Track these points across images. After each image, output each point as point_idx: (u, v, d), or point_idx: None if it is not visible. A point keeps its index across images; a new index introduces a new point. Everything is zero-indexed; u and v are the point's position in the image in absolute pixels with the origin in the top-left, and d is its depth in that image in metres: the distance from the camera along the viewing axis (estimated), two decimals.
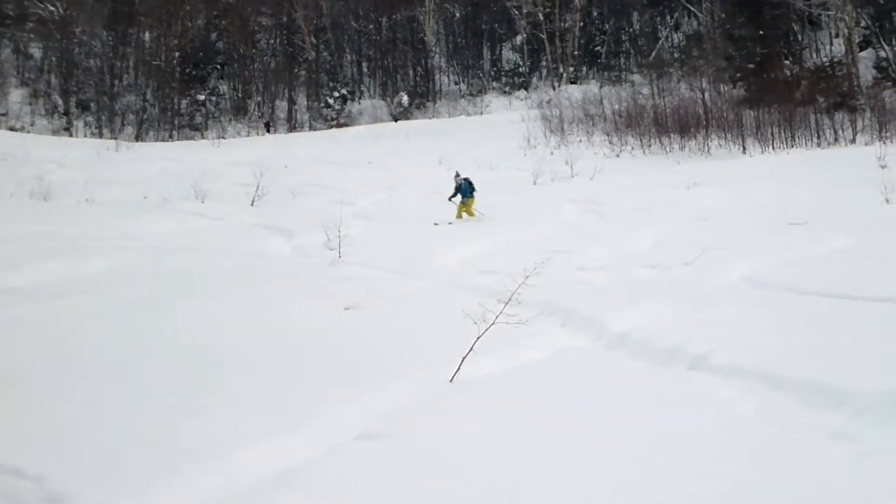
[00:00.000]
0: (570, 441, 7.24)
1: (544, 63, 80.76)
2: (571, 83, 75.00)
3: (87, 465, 6.61)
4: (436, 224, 22.29)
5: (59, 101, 73.62)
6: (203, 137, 67.95)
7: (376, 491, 6.26)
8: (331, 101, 76.41)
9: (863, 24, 57.98)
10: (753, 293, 13.53)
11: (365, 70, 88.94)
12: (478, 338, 9.26)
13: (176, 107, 76.30)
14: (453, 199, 25.31)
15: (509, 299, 9.85)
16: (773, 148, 41.10)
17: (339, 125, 71.82)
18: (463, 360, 9.10)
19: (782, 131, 42.84)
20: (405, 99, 76.82)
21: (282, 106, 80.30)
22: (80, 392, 8.50)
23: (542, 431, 7.50)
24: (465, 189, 23.94)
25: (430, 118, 71.11)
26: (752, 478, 6.30)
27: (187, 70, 77.52)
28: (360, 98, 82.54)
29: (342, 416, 7.82)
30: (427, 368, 9.47)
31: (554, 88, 74.02)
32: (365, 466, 6.75)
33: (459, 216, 24.79)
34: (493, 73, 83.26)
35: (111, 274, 16.06)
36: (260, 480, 6.48)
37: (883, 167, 27.38)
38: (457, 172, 25.54)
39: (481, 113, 71.03)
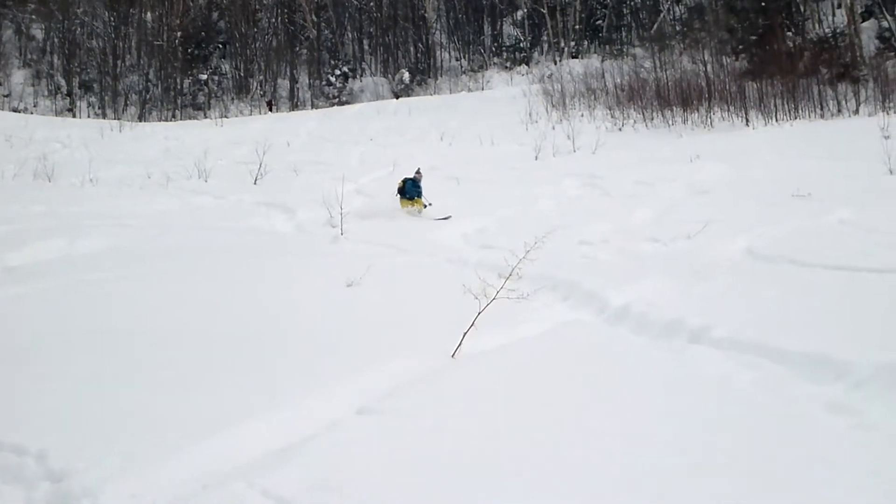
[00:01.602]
0: (571, 415, 7.25)
1: (545, 38, 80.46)
2: (573, 57, 74.71)
3: (88, 442, 6.60)
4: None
5: (62, 82, 73.48)
6: (206, 117, 67.71)
7: (376, 466, 6.26)
8: (332, 79, 76.18)
9: None
10: (755, 266, 13.53)
11: (366, 47, 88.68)
12: (479, 313, 9.25)
13: (178, 86, 76.11)
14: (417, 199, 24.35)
15: (510, 274, 9.83)
16: (776, 120, 40.93)
17: (341, 103, 71.60)
18: (465, 336, 9.09)
19: (785, 103, 42.67)
20: (406, 76, 76.62)
21: (283, 84, 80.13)
22: (80, 370, 8.51)
23: (543, 405, 7.51)
24: (408, 189, 23.47)
25: (431, 95, 70.85)
26: (749, 450, 6.30)
27: (189, 50, 77.31)
28: (361, 76, 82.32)
29: (343, 392, 7.82)
30: (428, 344, 9.46)
31: (555, 63, 73.75)
32: (365, 442, 6.75)
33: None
34: (494, 48, 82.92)
35: (113, 252, 16.07)
36: (260, 456, 6.48)
37: (886, 138, 27.29)
38: (417, 169, 25.16)
39: (482, 89, 70.75)
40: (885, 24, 54.58)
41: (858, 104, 41.33)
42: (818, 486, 5.68)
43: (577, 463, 6.20)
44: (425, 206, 22.82)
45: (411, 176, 23.72)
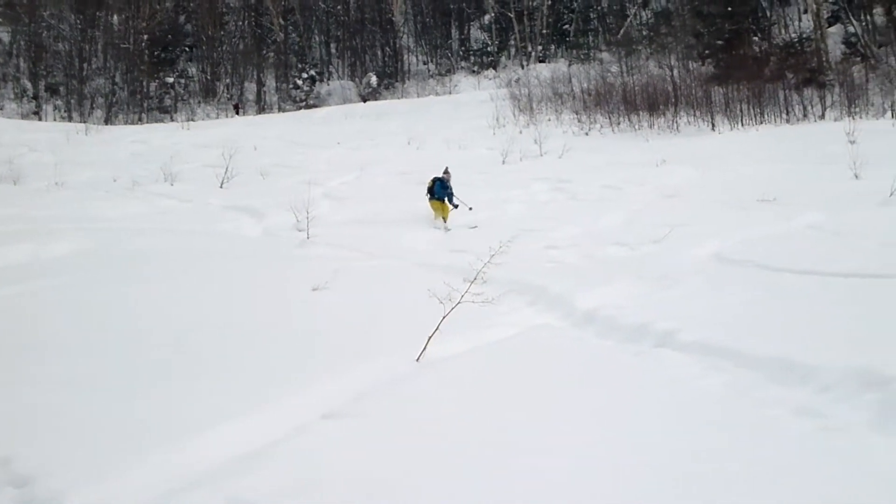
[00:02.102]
0: (536, 418, 7.23)
1: (513, 42, 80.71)
2: (540, 62, 74.99)
3: (55, 447, 6.55)
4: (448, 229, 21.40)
5: (28, 85, 73.07)
6: (172, 120, 67.62)
7: (342, 470, 6.23)
8: (299, 82, 76.18)
9: None
10: (722, 270, 13.59)
11: (333, 51, 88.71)
12: (443, 317, 9.24)
13: (145, 89, 75.94)
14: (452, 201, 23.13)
15: (475, 278, 9.84)
16: (742, 124, 41.13)
17: (308, 106, 71.63)
18: (429, 340, 9.08)
19: (751, 108, 42.90)
20: (374, 79, 76.66)
21: (250, 88, 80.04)
22: (46, 374, 8.43)
23: (508, 409, 7.49)
24: (436, 190, 22.81)
25: (398, 98, 71.01)
26: (715, 454, 6.30)
27: (156, 53, 77.13)
28: (328, 79, 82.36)
29: (308, 396, 7.79)
30: (394, 348, 9.44)
31: (522, 67, 74.02)
32: (331, 446, 6.72)
33: (438, 216, 22.56)
34: (461, 52, 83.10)
35: (80, 256, 15.96)
36: (226, 461, 6.44)
37: (852, 143, 27.48)
38: (445, 168, 23.83)
39: (450, 93, 70.88)
40: (851, 29, 54.97)
41: (824, 109, 41.59)
42: (785, 489, 5.68)
43: (544, 466, 6.19)
44: (455, 207, 22.30)
45: (440, 175, 22.94)
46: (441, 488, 5.90)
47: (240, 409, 7.38)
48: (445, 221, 21.75)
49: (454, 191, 22.61)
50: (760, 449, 6.37)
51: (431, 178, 22.88)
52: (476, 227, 20.49)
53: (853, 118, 37.34)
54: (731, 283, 12.43)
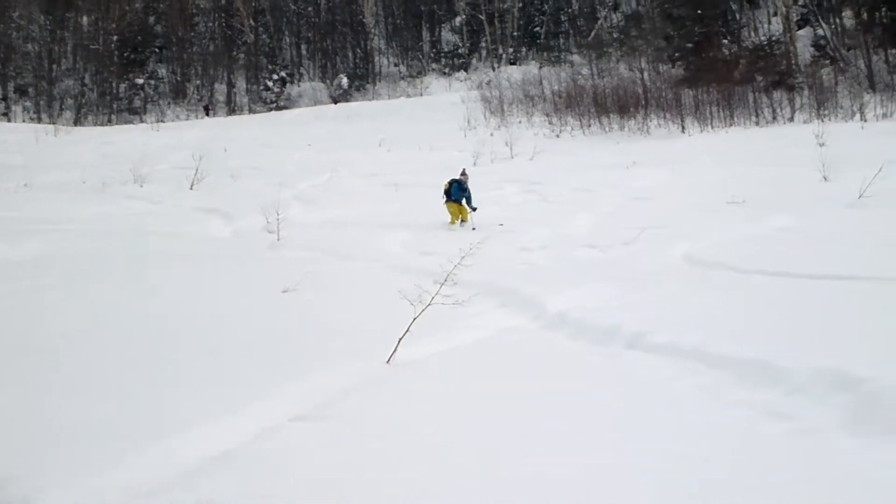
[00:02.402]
0: (505, 421, 7.21)
1: (484, 44, 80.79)
2: (511, 64, 75.15)
3: (25, 450, 6.49)
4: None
5: None
6: (142, 121, 67.56)
7: (312, 472, 6.20)
8: (270, 83, 76.06)
9: (800, 2, 58.46)
10: (692, 272, 13.62)
11: (304, 52, 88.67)
12: (413, 319, 9.22)
13: (114, 91, 75.79)
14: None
15: (445, 280, 9.82)
16: (712, 127, 41.36)
17: (279, 108, 71.59)
18: (399, 342, 9.04)
19: (721, 110, 43.15)
20: (345, 81, 76.57)
21: (221, 89, 79.91)
22: (15, 377, 8.37)
23: (477, 412, 7.47)
24: (453, 192, 22.54)
25: (370, 100, 70.99)
26: (686, 456, 6.29)
27: (126, 54, 76.89)
28: (299, 80, 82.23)
29: (277, 399, 7.74)
30: (364, 350, 9.39)
31: (493, 69, 74.13)
32: (300, 448, 6.68)
33: (456, 219, 22.00)
34: (432, 54, 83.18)
35: (49, 258, 15.86)
36: (195, 463, 6.38)
37: (821, 145, 27.66)
38: (462, 170, 23.20)
39: (421, 94, 70.87)
40: (820, 31, 55.29)
41: (794, 111, 41.88)
42: (755, 491, 5.68)
43: (516, 469, 6.17)
44: (473, 210, 21.75)
45: (457, 177, 22.33)
46: (411, 492, 5.88)
47: (209, 411, 7.33)
48: (466, 222, 21.48)
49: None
50: (731, 450, 6.37)
51: (448, 179, 22.43)
52: (503, 224, 20.37)
53: (822, 121, 37.58)
54: (701, 285, 12.47)
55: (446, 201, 21.91)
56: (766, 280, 12.26)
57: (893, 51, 50.38)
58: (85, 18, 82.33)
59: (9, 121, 66.01)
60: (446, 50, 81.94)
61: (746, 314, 10.38)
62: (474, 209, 21.70)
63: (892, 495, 5.65)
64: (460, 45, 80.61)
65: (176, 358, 9.08)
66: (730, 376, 8.05)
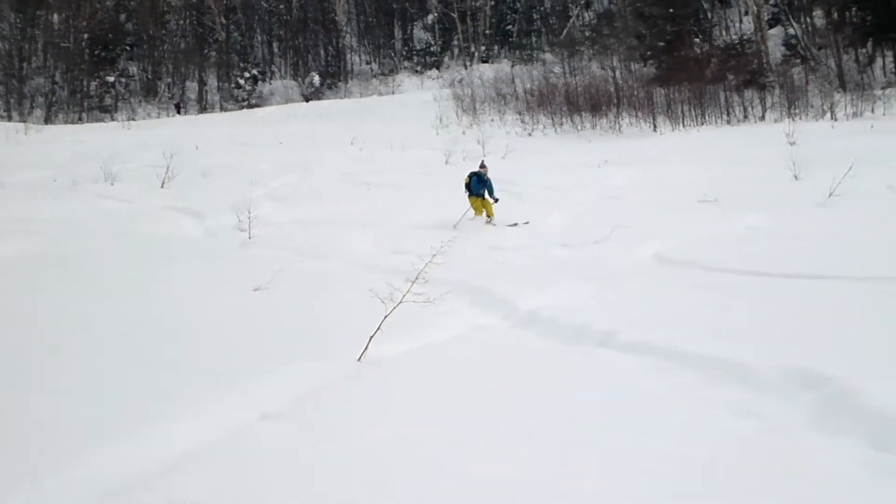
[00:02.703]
0: (476, 419, 7.22)
1: (456, 42, 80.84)
2: (483, 62, 75.21)
3: None
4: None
5: None
6: (113, 119, 67.12)
7: (280, 472, 6.19)
8: (242, 81, 75.90)
9: (771, 1, 58.68)
10: (663, 271, 13.68)
11: (276, 50, 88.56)
12: (385, 316, 9.21)
13: (85, 89, 75.39)
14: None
15: (416, 278, 9.81)
16: (684, 126, 41.52)
17: (251, 106, 71.41)
18: (371, 340, 9.03)
19: (692, 109, 43.32)
20: (316, 79, 76.48)
21: (192, 87, 79.67)
22: None
23: (448, 410, 7.48)
24: (473, 186, 21.57)
25: (341, 98, 70.88)
26: (655, 454, 6.31)
27: (96, 52, 76.49)
28: (271, 78, 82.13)
29: (247, 397, 7.72)
30: (335, 348, 9.39)
31: (466, 67, 74.19)
32: (270, 447, 6.66)
33: (479, 213, 21.57)
34: (404, 52, 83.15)
35: (18, 258, 15.77)
36: (164, 462, 6.35)
37: (792, 144, 27.81)
38: (482, 162, 22.71)
39: (393, 92, 70.88)
40: (791, 30, 55.51)
41: (765, 110, 42.08)
42: (723, 489, 5.71)
43: (486, 466, 6.18)
44: (496, 201, 21.39)
45: (476, 170, 21.96)
46: (381, 491, 5.87)
47: (177, 409, 7.30)
48: (491, 217, 21.15)
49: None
50: (699, 449, 6.40)
51: (468, 173, 22.13)
52: (516, 224, 20.19)
53: (793, 119, 37.81)
54: (672, 284, 12.52)
55: (469, 196, 21.51)
56: (736, 279, 12.32)
57: (863, 50, 50.73)
58: (56, 16, 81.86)
59: None
60: (418, 48, 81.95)
61: (716, 313, 10.42)
62: (496, 200, 21.42)
63: (858, 493, 5.69)
64: (432, 43, 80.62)
65: (145, 357, 9.03)
66: (699, 375, 8.09)
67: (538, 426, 7.00)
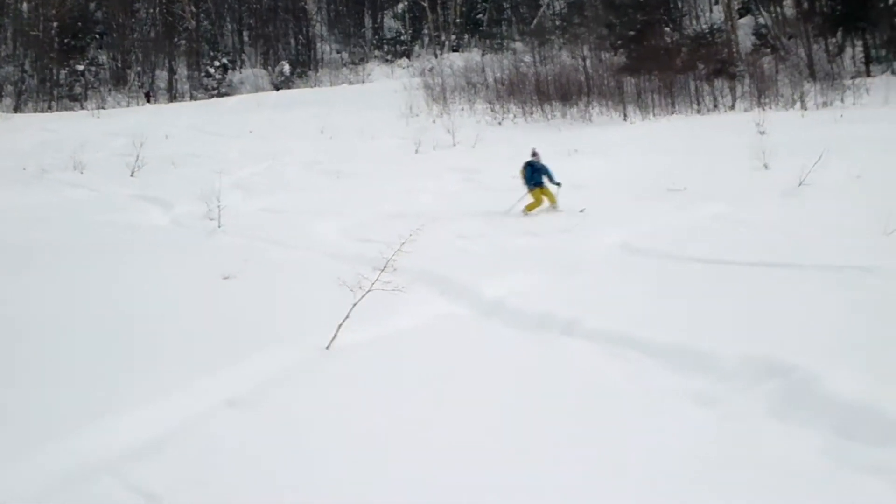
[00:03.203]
0: (442, 407, 7.27)
1: (426, 31, 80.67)
2: (453, 51, 75.05)
3: None
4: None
5: None
6: (82, 108, 66.68)
7: (246, 459, 6.22)
8: (211, 70, 75.48)
9: None
10: (629, 259, 13.72)
11: (246, 39, 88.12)
12: (353, 305, 9.25)
13: (55, 77, 74.82)
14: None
15: (384, 267, 9.83)
16: (654, 115, 41.53)
17: (220, 95, 71.02)
18: (339, 328, 9.06)
19: (662, 98, 43.38)
20: (286, 68, 76.13)
21: (162, 76, 79.21)
22: None
23: (415, 398, 7.52)
24: (527, 176, 20.55)
25: (311, 87, 70.65)
26: (617, 442, 6.37)
27: (66, 40, 75.88)
28: (241, 67, 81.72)
29: (213, 384, 7.74)
30: (303, 336, 9.42)
31: (436, 56, 73.97)
32: (235, 434, 6.70)
33: (538, 204, 20.35)
34: (374, 41, 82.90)
35: None
36: (128, 450, 6.37)
37: (761, 133, 27.90)
38: (533, 150, 21.51)
39: (363, 81, 70.63)
40: (761, 20, 55.64)
41: (735, 100, 42.22)
42: (684, 476, 5.77)
43: (446, 454, 6.22)
44: (558, 186, 20.30)
45: (529, 158, 20.83)
46: (345, 479, 5.91)
47: (141, 395, 7.33)
48: (553, 204, 20.16)
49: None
50: (661, 436, 6.46)
51: (523, 164, 20.93)
52: (584, 209, 19.11)
53: (763, 109, 37.94)
54: (636, 272, 12.59)
55: (529, 189, 20.41)
56: (701, 267, 12.37)
57: (833, 40, 50.87)
58: (25, 4, 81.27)
59: None
60: (388, 37, 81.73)
61: (679, 301, 10.51)
62: (559, 185, 20.39)
63: (818, 480, 5.75)
64: (402, 31, 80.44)
65: (111, 345, 9.04)
66: (661, 362, 8.15)
67: (501, 415, 7.06)
